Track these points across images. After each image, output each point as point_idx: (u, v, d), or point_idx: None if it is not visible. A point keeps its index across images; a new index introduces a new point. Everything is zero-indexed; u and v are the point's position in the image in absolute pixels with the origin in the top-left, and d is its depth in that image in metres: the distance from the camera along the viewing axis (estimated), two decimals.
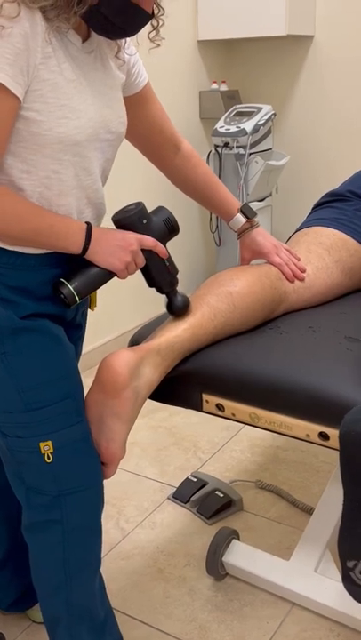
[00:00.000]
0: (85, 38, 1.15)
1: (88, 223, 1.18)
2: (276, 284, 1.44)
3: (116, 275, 1.22)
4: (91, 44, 1.16)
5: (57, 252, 1.18)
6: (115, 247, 1.19)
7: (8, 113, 1.04)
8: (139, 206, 1.25)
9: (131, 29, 1.14)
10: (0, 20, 0.99)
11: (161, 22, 1.20)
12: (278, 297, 1.44)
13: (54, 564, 1.29)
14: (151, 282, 1.32)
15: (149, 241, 1.24)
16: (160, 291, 1.33)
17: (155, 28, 1.21)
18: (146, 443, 2.41)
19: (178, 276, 1.33)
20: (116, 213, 1.26)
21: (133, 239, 1.21)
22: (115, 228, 1.25)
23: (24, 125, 1.07)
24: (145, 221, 1.25)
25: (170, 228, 1.30)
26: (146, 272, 1.29)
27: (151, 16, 1.15)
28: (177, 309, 1.34)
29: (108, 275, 1.21)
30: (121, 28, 1.12)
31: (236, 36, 3.23)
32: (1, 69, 1.00)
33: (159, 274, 1.30)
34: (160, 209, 1.31)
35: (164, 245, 1.28)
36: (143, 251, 1.23)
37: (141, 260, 1.23)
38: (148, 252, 1.24)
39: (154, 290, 1.34)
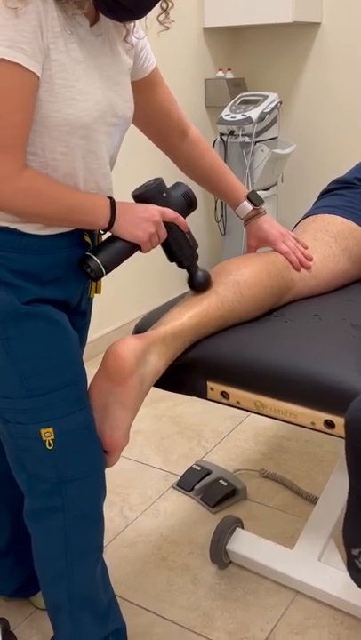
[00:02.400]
0: (93, 22, 1.14)
1: (111, 198, 1.20)
2: (283, 272, 1.43)
3: (139, 248, 1.24)
4: (99, 28, 1.15)
5: (63, 235, 1.18)
6: (138, 219, 1.21)
7: (30, 92, 1.04)
8: (157, 180, 1.28)
9: (138, 11, 1.12)
10: (13, 0, 0.98)
11: (170, 4, 1.19)
12: (285, 286, 1.43)
13: (55, 551, 1.29)
14: (172, 256, 1.33)
15: (171, 213, 1.26)
16: (180, 265, 1.35)
17: (164, 11, 1.19)
18: (150, 431, 2.41)
19: None
20: (137, 189, 1.28)
21: (155, 211, 1.23)
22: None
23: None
24: (165, 194, 1.28)
25: (189, 202, 1.32)
26: (167, 246, 1.31)
27: None
28: (198, 284, 1.35)
29: (132, 248, 1.23)
30: (129, 10, 1.10)
31: (243, 23, 3.20)
32: (20, 50, 1.00)
33: (180, 247, 1.32)
34: (178, 184, 1.33)
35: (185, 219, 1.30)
36: (164, 224, 1.25)
37: (164, 233, 1.25)
38: (169, 225, 1.26)
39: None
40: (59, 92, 1.07)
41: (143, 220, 1.21)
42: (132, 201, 1.28)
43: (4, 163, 1.05)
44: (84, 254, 1.21)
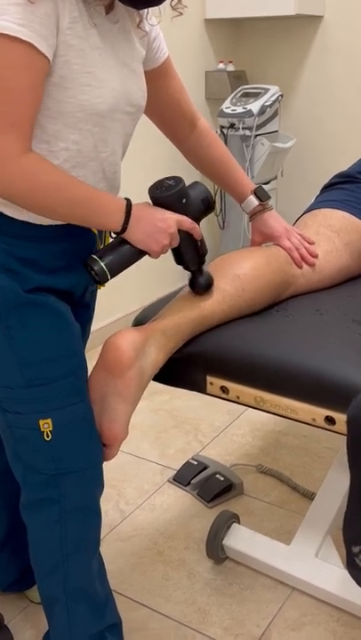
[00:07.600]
0: (109, 9, 1.13)
1: (128, 200, 1.16)
2: (285, 267, 1.42)
3: (148, 254, 1.20)
4: (115, 15, 1.14)
5: (67, 226, 1.16)
6: (154, 228, 1.16)
7: (40, 73, 1.02)
8: (179, 184, 1.21)
9: None
10: None
11: None
12: (287, 280, 1.42)
13: (51, 544, 1.28)
14: (180, 260, 1.29)
15: (188, 223, 1.21)
16: (187, 269, 1.31)
17: None
18: (146, 425, 2.40)
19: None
20: (155, 189, 1.22)
21: (172, 221, 1.18)
22: (149, 202, 1.22)
23: (47, 93, 1.05)
24: (184, 200, 1.22)
25: (207, 207, 1.27)
26: (177, 251, 1.27)
27: None
28: (199, 288, 1.32)
29: (140, 254, 1.19)
30: None
31: (244, 15, 3.18)
32: (33, 29, 0.99)
33: (190, 255, 1.27)
34: (196, 185, 1.27)
35: (199, 224, 1.25)
36: (179, 231, 1.20)
37: (176, 241, 1.21)
38: (183, 233, 1.22)
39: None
40: (74, 77, 1.06)
41: (159, 231, 1.16)
42: (145, 199, 1.23)
43: (6, 142, 1.02)
44: (89, 256, 1.17)
